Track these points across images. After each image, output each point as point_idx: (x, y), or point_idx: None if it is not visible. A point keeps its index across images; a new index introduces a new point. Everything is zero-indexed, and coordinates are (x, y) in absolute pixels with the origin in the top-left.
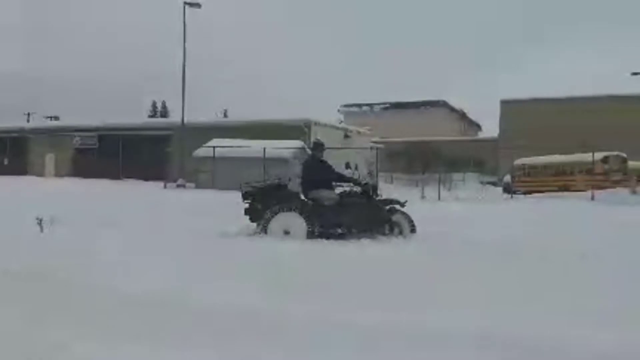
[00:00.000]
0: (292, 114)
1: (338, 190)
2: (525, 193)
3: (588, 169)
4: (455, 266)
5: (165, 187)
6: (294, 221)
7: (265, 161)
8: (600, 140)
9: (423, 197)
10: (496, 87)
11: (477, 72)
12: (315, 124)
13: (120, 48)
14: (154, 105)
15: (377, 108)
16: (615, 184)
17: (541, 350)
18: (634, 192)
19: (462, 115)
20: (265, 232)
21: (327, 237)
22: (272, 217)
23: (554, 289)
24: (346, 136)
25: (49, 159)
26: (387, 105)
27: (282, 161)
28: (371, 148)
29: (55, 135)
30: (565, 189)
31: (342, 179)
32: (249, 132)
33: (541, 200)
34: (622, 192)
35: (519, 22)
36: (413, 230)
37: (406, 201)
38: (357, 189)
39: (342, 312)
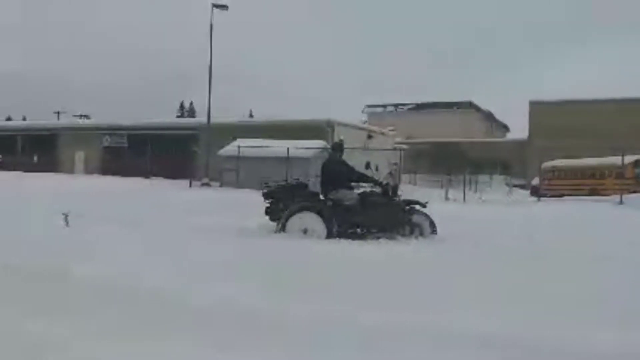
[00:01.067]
0: (315, 114)
1: (358, 190)
2: (553, 196)
3: (618, 173)
4: (467, 267)
5: (190, 185)
6: (313, 221)
7: (289, 161)
8: (631, 144)
9: (447, 198)
10: (525, 88)
11: (506, 72)
12: (339, 124)
13: (149, 48)
14: (181, 105)
15: (401, 109)
16: None
17: (541, 350)
18: None
19: (489, 116)
20: (284, 231)
21: (346, 237)
22: (291, 216)
23: (563, 291)
24: (369, 137)
25: (79, 157)
26: (412, 105)
27: (304, 161)
28: (394, 149)
29: (85, 134)
30: (594, 192)
31: (362, 179)
32: (273, 132)
33: (569, 204)
34: None
35: (553, 21)
36: (434, 231)
37: (427, 202)
38: (377, 189)
39: (346, 312)
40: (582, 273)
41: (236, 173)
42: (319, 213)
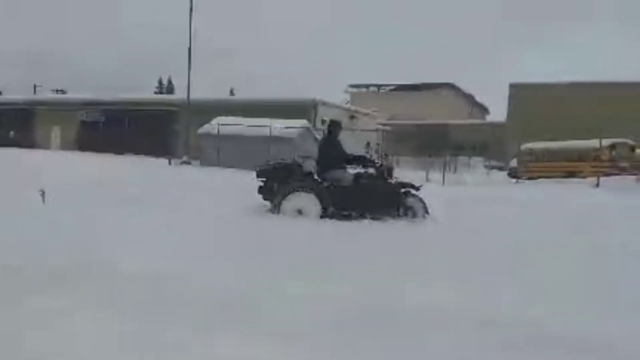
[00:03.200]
0: (298, 93)
1: (353, 171)
2: (530, 178)
3: (595, 156)
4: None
5: (170, 163)
6: (308, 201)
7: (271, 140)
8: (609, 128)
9: (428, 180)
10: (505, 71)
11: (487, 54)
12: (322, 104)
13: (127, 23)
14: (160, 81)
15: (384, 89)
16: (622, 171)
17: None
18: (639, 180)
19: (470, 99)
20: (279, 211)
21: (340, 218)
22: (286, 196)
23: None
24: (352, 117)
25: (55, 132)
26: (395, 86)
27: (288, 140)
28: (377, 130)
29: (61, 109)
30: (571, 175)
31: (358, 160)
32: (255, 111)
33: (545, 186)
34: (628, 179)
35: (534, 4)
36: (426, 214)
37: (421, 185)
38: (373, 171)
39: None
40: (554, 251)
41: (217, 152)
42: (315, 193)
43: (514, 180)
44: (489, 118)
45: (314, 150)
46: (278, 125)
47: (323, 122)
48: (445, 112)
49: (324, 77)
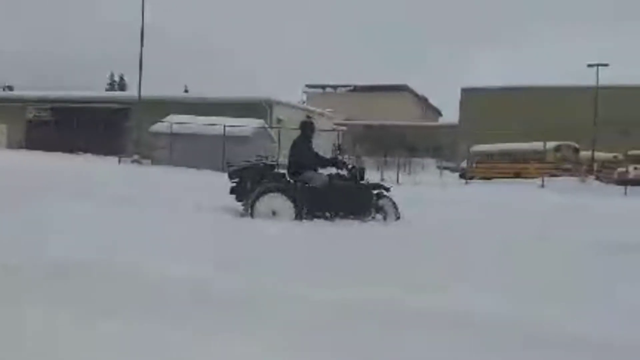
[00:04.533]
0: (254, 92)
1: (325, 172)
2: (481, 179)
3: (540, 157)
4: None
5: (119, 162)
6: (281, 202)
7: (225, 139)
8: (557, 130)
9: (382, 179)
10: (459, 74)
11: (440, 58)
12: (277, 103)
13: (78, 19)
14: (111, 77)
15: (340, 90)
16: (566, 172)
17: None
18: (583, 181)
19: (424, 101)
20: (252, 213)
21: (313, 219)
22: (259, 197)
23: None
24: (308, 117)
25: (1, 131)
26: (351, 87)
27: (242, 139)
28: (334, 130)
29: (8, 106)
30: (519, 176)
31: (330, 162)
32: (209, 109)
33: (495, 186)
34: (571, 180)
35: (488, 8)
36: (397, 216)
37: (391, 186)
38: (345, 172)
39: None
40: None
41: (169, 151)
42: (288, 195)
43: (464, 181)
44: (442, 120)
45: (269, 149)
46: (233, 124)
47: (279, 121)
48: (400, 113)
49: (281, 77)
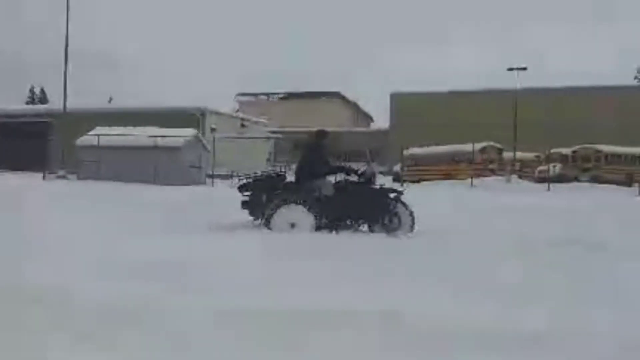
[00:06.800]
0: (185, 101)
1: (332, 179)
2: (412, 181)
3: (468, 159)
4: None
5: (44, 178)
6: (300, 214)
7: (156, 150)
8: (483, 132)
9: None
10: (389, 79)
11: (370, 63)
12: (211, 112)
13: None
14: (32, 91)
15: (273, 97)
16: (492, 172)
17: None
18: (508, 181)
19: (355, 106)
20: (269, 226)
21: (334, 229)
22: (276, 210)
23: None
24: (242, 125)
25: None
26: (283, 94)
27: (174, 150)
28: (268, 138)
29: None
30: (449, 177)
31: (339, 169)
32: (139, 120)
33: (428, 188)
34: (497, 180)
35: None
36: (412, 220)
37: (403, 190)
38: (354, 178)
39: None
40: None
41: (97, 164)
42: (306, 205)
43: (399, 183)
44: (374, 125)
45: (202, 159)
46: (164, 134)
47: (212, 130)
48: (332, 120)
49: (211, 86)
